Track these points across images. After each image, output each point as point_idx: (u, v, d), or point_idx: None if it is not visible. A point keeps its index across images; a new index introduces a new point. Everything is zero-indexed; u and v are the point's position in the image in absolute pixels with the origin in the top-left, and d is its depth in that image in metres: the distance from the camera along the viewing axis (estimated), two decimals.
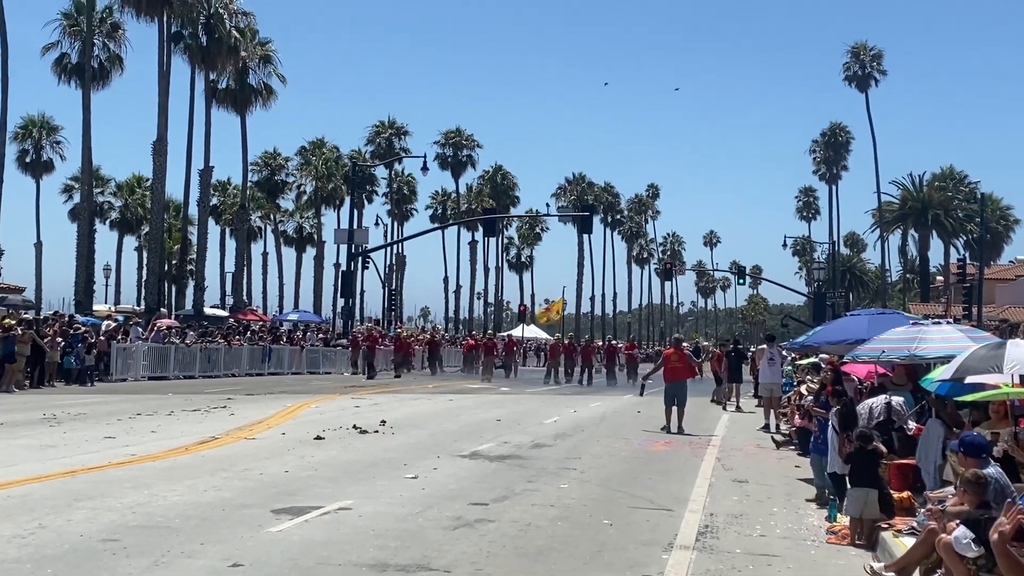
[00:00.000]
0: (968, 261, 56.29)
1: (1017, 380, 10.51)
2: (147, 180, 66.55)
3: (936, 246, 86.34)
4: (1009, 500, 7.45)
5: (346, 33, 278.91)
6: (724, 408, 29.30)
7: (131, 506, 10.79)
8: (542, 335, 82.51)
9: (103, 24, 58.63)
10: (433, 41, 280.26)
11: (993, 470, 8.65)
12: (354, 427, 19.47)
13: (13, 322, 29.98)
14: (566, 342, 47.43)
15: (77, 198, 65.98)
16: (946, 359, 11.84)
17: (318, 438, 17.62)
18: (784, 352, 25.72)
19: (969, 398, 11.18)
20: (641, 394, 25.10)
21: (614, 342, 57.61)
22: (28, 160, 72.38)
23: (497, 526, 10.51)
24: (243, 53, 61.29)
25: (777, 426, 22.11)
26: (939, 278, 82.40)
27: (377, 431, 19.27)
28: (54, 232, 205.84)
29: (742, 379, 31.21)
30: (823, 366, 17.98)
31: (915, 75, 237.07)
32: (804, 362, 22.87)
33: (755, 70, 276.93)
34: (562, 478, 14.23)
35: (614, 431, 21.47)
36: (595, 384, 42.59)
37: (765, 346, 26.29)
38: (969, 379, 10.84)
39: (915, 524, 9.59)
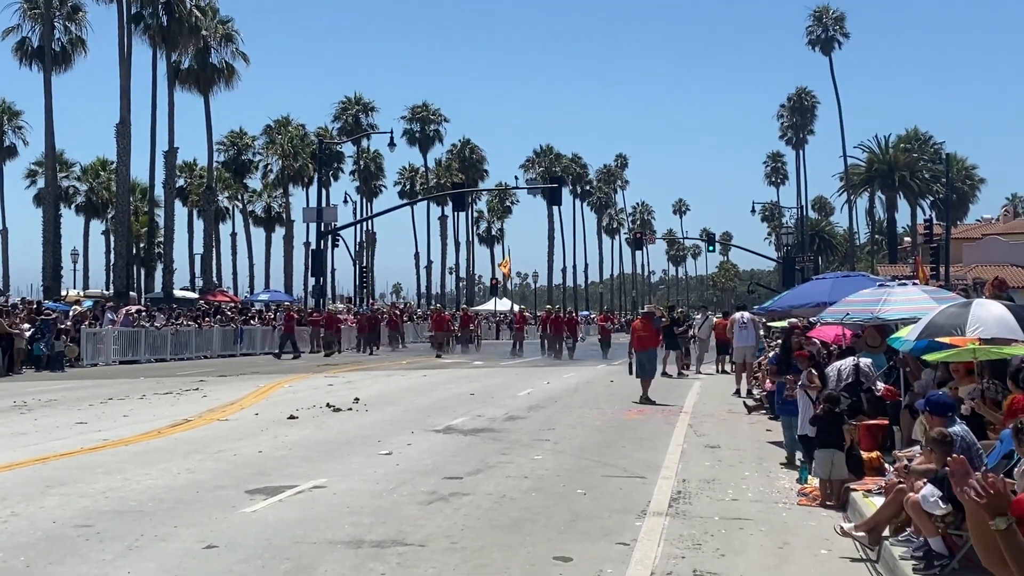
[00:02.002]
0: (935, 221, 56.71)
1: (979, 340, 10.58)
2: (112, 163, 65.99)
3: (903, 207, 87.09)
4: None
5: (309, 9, 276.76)
6: (668, 374, 28.96)
7: (104, 491, 10.76)
8: (516, 308, 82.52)
9: (63, 6, 57.97)
10: (398, 15, 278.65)
11: (959, 428, 8.75)
12: (327, 405, 19.45)
13: None
14: (541, 314, 47.24)
15: (41, 183, 65.23)
16: (909, 321, 11.95)
17: (291, 417, 17.60)
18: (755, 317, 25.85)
19: (936, 357, 11.28)
20: (631, 372, 23.33)
21: (574, 314, 56.79)
22: None
23: (472, 499, 10.56)
24: (204, 32, 60.80)
25: (749, 391, 22.28)
26: (907, 239, 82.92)
27: (351, 409, 19.27)
28: (19, 218, 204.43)
29: (678, 346, 31.33)
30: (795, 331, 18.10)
31: (878, 36, 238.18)
32: (777, 324, 23.00)
33: (720, 36, 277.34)
34: (536, 449, 14.29)
35: (587, 401, 21.56)
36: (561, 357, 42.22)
37: (737, 314, 26.50)
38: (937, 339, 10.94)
39: (884, 483, 9.69)
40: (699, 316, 35.25)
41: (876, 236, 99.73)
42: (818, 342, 15.87)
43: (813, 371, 12.52)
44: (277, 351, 41.22)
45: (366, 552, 8.30)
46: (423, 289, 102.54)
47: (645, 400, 21.11)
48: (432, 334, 44.77)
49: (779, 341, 19.05)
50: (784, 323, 20.80)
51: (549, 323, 43.42)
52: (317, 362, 37.01)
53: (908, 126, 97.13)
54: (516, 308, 70.93)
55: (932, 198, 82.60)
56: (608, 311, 76.36)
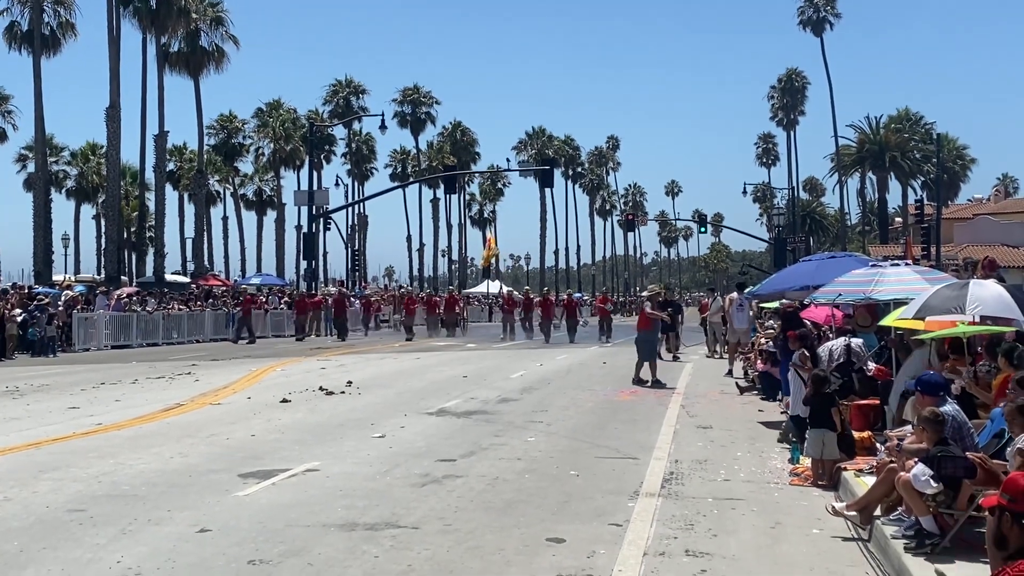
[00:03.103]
0: (926, 201, 56.73)
1: (978, 319, 10.60)
2: (102, 147, 65.77)
3: (894, 188, 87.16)
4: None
5: None
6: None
7: (97, 476, 10.76)
8: (508, 290, 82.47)
9: None
10: None
11: (950, 408, 8.77)
12: (320, 389, 19.46)
13: None
14: (528, 295, 47.16)
15: (31, 168, 64.97)
16: (902, 302, 11.96)
17: (284, 401, 17.61)
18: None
19: (927, 336, 11.29)
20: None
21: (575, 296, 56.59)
22: None
23: (465, 481, 10.57)
24: (194, 15, 60.48)
25: (745, 371, 22.27)
26: (898, 219, 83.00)
27: (343, 392, 19.27)
28: (9, 203, 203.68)
29: (674, 328, 31.27)
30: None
31: (869, 16, 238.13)
32: (769, 305, 22.97)
33: (712, 17, 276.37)
34: (529, 431, 14.31)
35: (580, 383, 21.56)
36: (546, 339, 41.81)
37: (735, 294, 26.39)
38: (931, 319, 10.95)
39: (876, 463, 9.72)
40: (710, 300, 35.13)
41: (868, 216, 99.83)
42: (809, 323, 15.87)
43: (805, 352, 12.53)
44: (247, 338, 39.80)
45: (359, 535, 8.32)
46: (415, 272, 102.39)
47: (638, 381, 21.10)
48: (402, 318, 44.49)
49: (771, 321, 19.04)
50: (776, 304, 20.78)
51: (540, 306, 43.12)
52: (309, 346, 36.97)
53: (899, 106, 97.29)
54: (505, 291, 70.44)
55: (923, 178, 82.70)
56: (605, 292, 76.31)
